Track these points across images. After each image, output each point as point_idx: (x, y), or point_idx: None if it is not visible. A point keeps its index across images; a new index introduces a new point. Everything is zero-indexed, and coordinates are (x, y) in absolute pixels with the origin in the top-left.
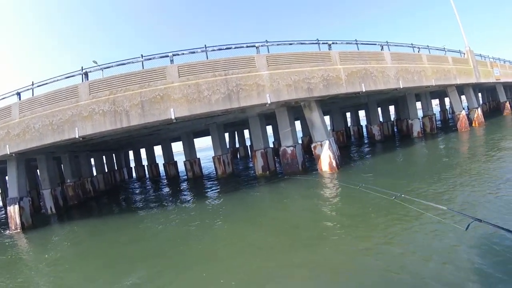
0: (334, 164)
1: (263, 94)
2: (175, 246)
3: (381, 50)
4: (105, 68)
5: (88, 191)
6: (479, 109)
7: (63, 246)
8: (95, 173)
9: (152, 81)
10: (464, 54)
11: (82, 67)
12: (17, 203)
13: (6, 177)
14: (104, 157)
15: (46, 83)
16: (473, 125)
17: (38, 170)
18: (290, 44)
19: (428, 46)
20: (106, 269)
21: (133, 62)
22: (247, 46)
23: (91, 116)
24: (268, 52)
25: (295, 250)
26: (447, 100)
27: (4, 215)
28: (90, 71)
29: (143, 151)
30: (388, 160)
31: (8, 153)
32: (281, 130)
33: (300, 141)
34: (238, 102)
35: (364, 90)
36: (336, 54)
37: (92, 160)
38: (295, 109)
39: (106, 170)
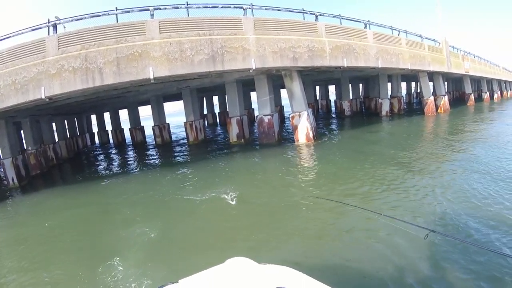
0: (311, 135)
1: (248, 58)
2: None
3: (365, 28)
4: (76, 20)
5: (51, 159)
6: (446, 96)
7: (31, 222)
8: (56, 139)
9: (129, 36)
10: (440, 43)
11: (48, 20)
12: None
13: None
14: (66, 121)
15: (9, 37)
16: (438, 111)
17: None
18: (279, 10)
19: (406, 30)
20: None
21: (109, 14)
22: (234, 7)
23: (60, 73)
24: (253, 15)
25: None
26: (413, 84)
27: None
28: (59, 23)
29: (106, 115)
30: (364, 135)
31: None
32: (259, 98)
33: None
34: (222, 65)
35: (345, 65)
36: (323, 26)
37: (53, 125)
38: (272, 78)
39: (68, 136)
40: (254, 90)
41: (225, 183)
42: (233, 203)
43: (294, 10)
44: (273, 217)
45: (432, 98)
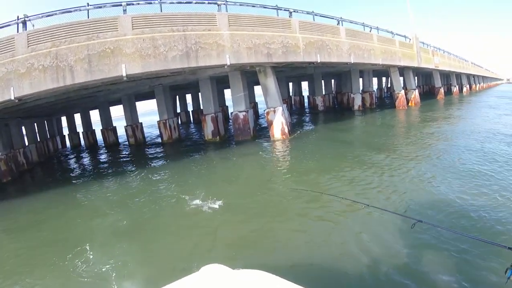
0: (286, 130)
1: (223, 55)
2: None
3: (338, 25)
4: (47, 16)
5: (21, 164)
6: (416, 90)
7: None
8: (26, 143)
9: (101, 33)
10: (410, 39)
11: (17, 16)
12: None
13: None
14: (35, 124)
15: None
16: (409, 104)
17: None
18: (253, 6)
19: (377, 27)
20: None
21: (80, 10)
22: (208, 3)
23: (30, 72)
24: (227, 11)
25: None
26: (384, 79)
27: None
28: (29, 20)
29: (77, 117)
30: (338, 128)
31: None
32: (234, 94)
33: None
34: (197, 61)
35: (319, 61)
36: (296, 23)
37: (23, 128)
38: (247, 74)
39: (39, 140)
40: (228, 87)
41: (201, 182)
42: (210, 202)
43: (268, 7)
44: (250, 215)
45: (403, 92)
